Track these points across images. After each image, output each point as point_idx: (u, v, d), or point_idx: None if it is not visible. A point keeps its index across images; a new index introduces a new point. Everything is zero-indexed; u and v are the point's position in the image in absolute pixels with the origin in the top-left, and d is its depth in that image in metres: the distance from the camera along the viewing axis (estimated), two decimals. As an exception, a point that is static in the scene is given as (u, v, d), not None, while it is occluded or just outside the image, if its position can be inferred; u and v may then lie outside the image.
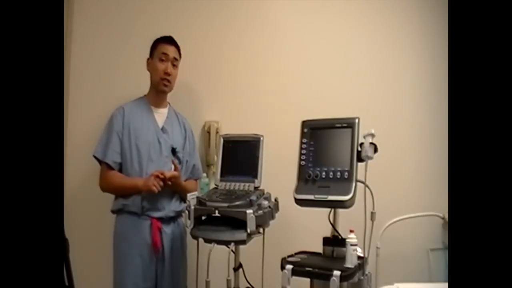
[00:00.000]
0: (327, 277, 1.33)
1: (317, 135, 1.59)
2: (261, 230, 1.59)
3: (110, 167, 1.80)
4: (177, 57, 1.93)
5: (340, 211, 1.57)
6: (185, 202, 1.71)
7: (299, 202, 1.52)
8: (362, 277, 1.45)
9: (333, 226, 1.58)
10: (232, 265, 1.63)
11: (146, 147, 1.82)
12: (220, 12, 2.26)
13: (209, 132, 2.17)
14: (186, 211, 1.59)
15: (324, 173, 1.52)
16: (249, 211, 1.49)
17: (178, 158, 1.87)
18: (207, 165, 2.19)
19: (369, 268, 1.51)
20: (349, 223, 1.45)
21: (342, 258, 1.44)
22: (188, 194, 1.63)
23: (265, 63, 2.26)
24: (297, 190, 1.53)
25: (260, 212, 1.53)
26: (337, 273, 1.32)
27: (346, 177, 1.48)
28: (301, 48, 2.26)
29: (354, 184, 1.46)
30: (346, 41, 2.27)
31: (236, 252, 1.67)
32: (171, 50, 1.89)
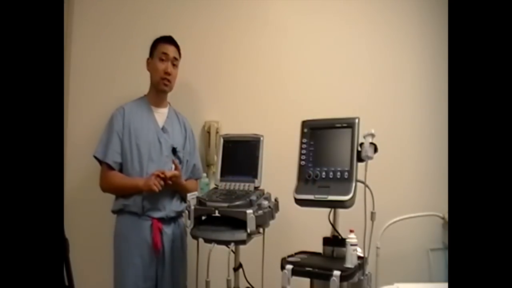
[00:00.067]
0: (327, 277, 1.33)
1: (317, 135, 1.59)
2: (261, 230, 1.59)
3: (110, 167, 1.80)
4: (177, 56, 1.93)
5: (340, 211, 1.57)
6: (185, 202, 1.71)
7: (299, 202, 1.52)
8: (362, 277, 1.45)
9: (333, 226, 1.58)
10: (232, 265, 1.63)
11: (146, 147, 1.82)
12: (220, 12, 2.26)
13: (209, 132, 2.17)
14: (186, 211, 1.59)
15: (324, 173, 1.52)
16: (249, 211, 1.49)
17: (178, 158, 1.87)
18: (207, 165, 2.19)
19: (369, 268, 1.51)
20: (349, 223, 1.45)
21: (342, 258, 1.44)
22: (188, 194, 1.63)
23: (265, 63, 2.26)
24: (297, 190, 1.53)
25: (260, 212, 1.53)
26: (337, 273, 1.32)
27: (346, 177, 1.48)
28: (301, 48, 2.26)
29: (354, 184, 1.46)
30: (346, 41, 2.27)
31: (236, 252, 1.67)
32: (171, 50, 1.89)
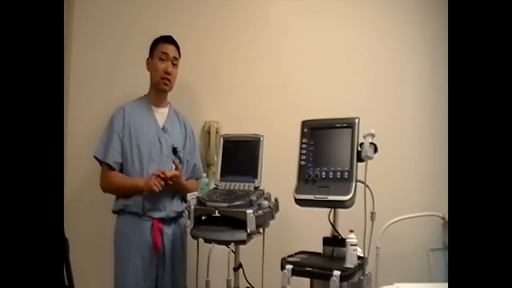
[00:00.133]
0: (327, 277, 1.33)
1: (317, 135, 1.59)
2: (261, 230, 1.59)
3: (111, 168, 1.80)
4: (177, 56, 1.93)
5: (340, 211, 1.57)
6: (186, 202, 1.72)
7: (299, 202, 1.52)
8: (362, 277, 1.45)
9: (333, 226, 1.58)
10: (232, 265, 1.63)
11: (147, 146, 1.82)
12: (220, 12, 2.26)
13: (209, 132, 2.17)
14: (186, 211, 1.59)
15: (324, 173, 1.52)
16: (249, 211, 1.49)
17: (179, 158, 1.87)
18: (207, 165, 2.19)
19: (369, 268, 1.51)
20: (349, 223, 1.45)
21: (342, 258, 1.43)
22: (188, 194, 1.62)
23: (265, 63, 2.26)
24: (297, 190, 1.53)
25: (260, 212, 1.53)
26: (337, 273, 1.32)
27: (346, 177, 1.48)
28: (301, 48, 2.26)
29: (354, 184, 1.46)
30: (346, 41, 2.27)
31: (236, 252, 1.67)
32: (171, 50, 1.89)
